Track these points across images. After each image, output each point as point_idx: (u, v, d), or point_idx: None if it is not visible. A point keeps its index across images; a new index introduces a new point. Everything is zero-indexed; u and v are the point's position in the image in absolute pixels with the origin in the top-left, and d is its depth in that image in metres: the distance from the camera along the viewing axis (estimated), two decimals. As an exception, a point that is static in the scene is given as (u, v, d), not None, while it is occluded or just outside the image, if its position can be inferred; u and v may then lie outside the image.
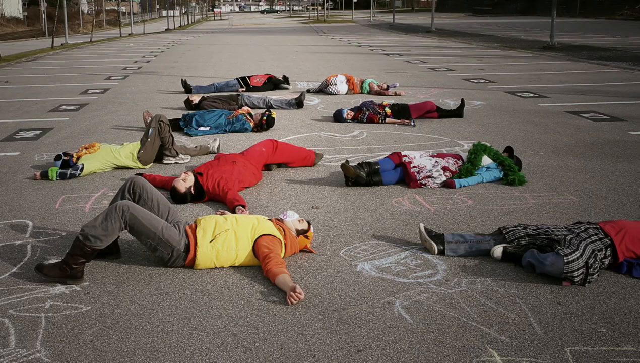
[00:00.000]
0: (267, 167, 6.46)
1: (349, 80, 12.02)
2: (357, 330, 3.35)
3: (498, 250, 4.14)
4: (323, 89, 12.14)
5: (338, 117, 9.13)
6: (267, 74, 13.12)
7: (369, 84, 11.88)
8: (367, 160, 6.26)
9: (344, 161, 5.99)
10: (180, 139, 7.91)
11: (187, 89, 12.32)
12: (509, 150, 6.28)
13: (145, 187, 4.28)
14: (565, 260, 3.75)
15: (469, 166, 5.88)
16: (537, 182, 5.99)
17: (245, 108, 9.20)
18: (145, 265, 4.20)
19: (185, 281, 3.97)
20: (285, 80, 13.10)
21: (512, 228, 4.29)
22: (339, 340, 3.25)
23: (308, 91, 12.49)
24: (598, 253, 3.85)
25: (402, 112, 9.01)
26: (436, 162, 5.94)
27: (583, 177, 6.17)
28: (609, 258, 3.92)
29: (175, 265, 4.11)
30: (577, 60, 17.82)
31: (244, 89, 12.50)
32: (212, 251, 4.06)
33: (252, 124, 8.54)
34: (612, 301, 3.63)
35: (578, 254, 3.78)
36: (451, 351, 3.13)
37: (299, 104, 10.35)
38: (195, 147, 7.35)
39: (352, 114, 9.07)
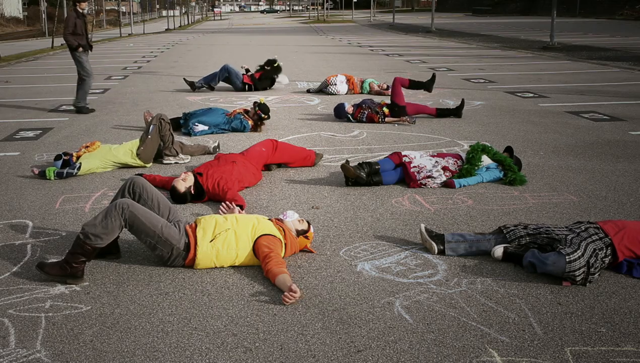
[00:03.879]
0: (267, 167, 6.47)
1: (349, 80, 12.02)
2: (357, 330, 3.35)
3: (498, 251, 4.14)
4: (323, 89, 12.14)
5: (339, 110, 9.10)
6: (259, 71, 13.00)
7: (369, 84, 11.89)
8: (367, 160, 6.25)
9: (344, 161, 5.99)
10: (180, 139, 7.91)
11: (191, 85, 12.51)
12: (509, 150, 6.28)
13: (145, 186, 4.28)
14: (567, 260, 3.75)
15: (468, 166, 5.88)
16: (537, 182, 5.99)
17: (241, 107, 9.21)
18: (145, 265, 4.20)
19: (185, 281, 3.97)
20: (272, 65, 12.84)
21: (512, 228, 4.28)
22: (339, 340, 3.25)
23: (308, 91, 12.49)
24: (599, 253, 3.85)
25: (399, 112, 9.00)
26: (436, 161, 5.94)
27: (583, 177, 6.17)
28: (609, 257, 3.92)
29: (175, 264, 4.11)
30: (577, 60, 17.82)
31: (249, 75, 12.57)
32: (212, 250, 4.07)
33: (250, 122, 8.53)
34: (612, 301, 3.63)
35: (580, 253, 3.78)
36: (451, 351, 3.13)
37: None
38: (194, 145, 7.36)
39: (352, 109, 9.05)
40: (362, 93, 11.84)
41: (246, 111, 8.70)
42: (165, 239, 3.99)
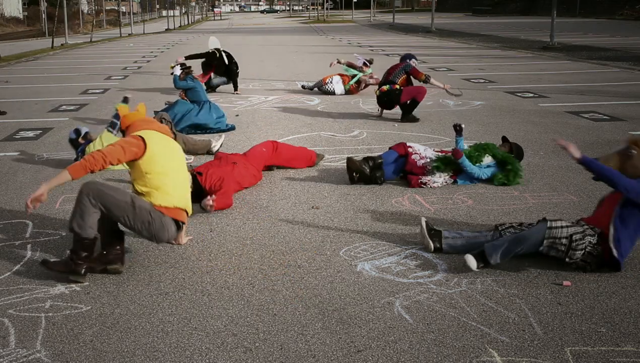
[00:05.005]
0: (269, 167, 6.48)
1: (344, 81, 12.03)
2: (357, 330, 3.35)
3: (472, 262, 3.94)
4: (319, 87, 12.12)
5: (408, 54, 9.34)
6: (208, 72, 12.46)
7: (360, 79, 11.90)
8: (371, 155, 6.23)
9: (345, 158, 6.02)
10: (183, 134, 7.87)
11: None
12: (505, 140, 6.23)
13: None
14: (548, 225, 3.84)
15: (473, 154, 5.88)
16: (537, 182, 5.98)
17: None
18: (145, 265, 4.21)
19: (185, 281, 3.97)
20: (208, 55, 12.30)
21: (508, 226, 4.27)
22: (339, 340, 3.25)
23: (302, 87, 12.48)
24: (588, 237, 3.89)
25: (388, 101, 9.08)
26: (438, 157, 5.95)
27: (583, 177, 6.16)
28: (599, 247, 3.91)
29: (165, 234, 4.03)
30: (577, 60, 17.82)
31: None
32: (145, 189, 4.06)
33: (195, 77, 9.26)
34: (612, 301, 3.63)
35: (563, 224, 3.87)
36: (451, 351, 3.13)
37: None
38: (199, 140, 7.33)
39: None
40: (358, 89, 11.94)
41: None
42: (139, 207, 3.95)
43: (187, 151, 7.00)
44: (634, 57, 18.18)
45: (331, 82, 11.97)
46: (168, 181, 4.08)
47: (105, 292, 3.83)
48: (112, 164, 3.99)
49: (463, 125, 6.33)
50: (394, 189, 5.83)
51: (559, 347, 3.16)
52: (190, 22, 72.58)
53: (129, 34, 42.39)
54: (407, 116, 9.03)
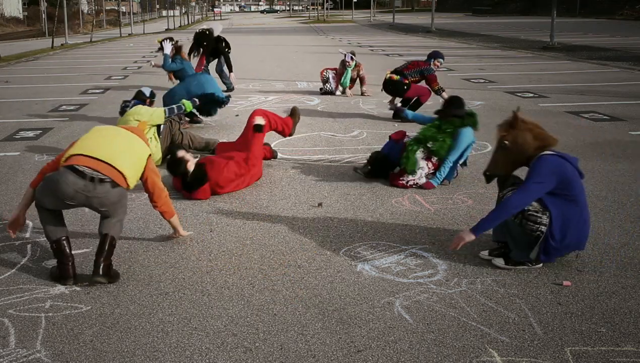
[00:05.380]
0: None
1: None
2: (357, 330, 3.35)
3: (499, 262, 4.10)
4: (324, 84, 12.05)
5: (436, 53, 9.62)
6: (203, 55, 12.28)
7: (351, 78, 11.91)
8: (375, 151, 6.31)
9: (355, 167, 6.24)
10: (190, 130, 7.83)
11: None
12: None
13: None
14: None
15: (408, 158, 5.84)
16: (537, 182, 5.97)
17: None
18: (145, 265, 4.21)
19: (185, 281, 3.97)
20: (204, 38, 11.98)
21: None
22: (339, 340, 3.25)
23: (331, 93, 12.37)
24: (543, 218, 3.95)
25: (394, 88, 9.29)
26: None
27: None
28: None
29: (62, 184, 3.80)
30: (577, 60, 17.81)
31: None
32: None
33: (185, 57, 9.61)
34: (612, 301, 3.64)
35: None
36: (451, 351, 3.13)
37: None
38: (205, 139, 7.31)
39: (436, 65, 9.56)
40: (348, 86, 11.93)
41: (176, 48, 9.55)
42: (45, 179, 3.91)
43: (194, 148, 6.98)
44: (634, 57, 18.18)
45: (328, 79, 11.91)
46: (79, 142, 4.13)
47: (105, 292, 3.83)
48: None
49: (397, 104, 6.43)
50: (394, 189, 5.84)
51: (559, 347, 3.16)
52: (190, 22, 72.56)
53: (129, 34, 42.38)
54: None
